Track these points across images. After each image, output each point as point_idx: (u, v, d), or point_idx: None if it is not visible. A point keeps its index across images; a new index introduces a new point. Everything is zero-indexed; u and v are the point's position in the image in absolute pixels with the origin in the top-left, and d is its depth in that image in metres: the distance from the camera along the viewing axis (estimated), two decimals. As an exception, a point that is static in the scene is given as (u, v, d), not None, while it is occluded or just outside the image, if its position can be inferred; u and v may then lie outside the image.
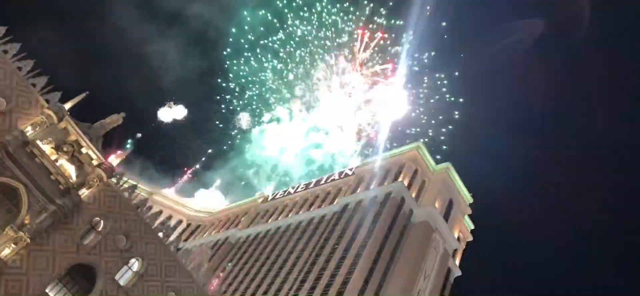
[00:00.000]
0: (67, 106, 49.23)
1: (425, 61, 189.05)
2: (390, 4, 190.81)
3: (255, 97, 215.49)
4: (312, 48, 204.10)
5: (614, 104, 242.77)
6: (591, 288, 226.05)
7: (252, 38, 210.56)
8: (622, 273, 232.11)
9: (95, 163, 49.35)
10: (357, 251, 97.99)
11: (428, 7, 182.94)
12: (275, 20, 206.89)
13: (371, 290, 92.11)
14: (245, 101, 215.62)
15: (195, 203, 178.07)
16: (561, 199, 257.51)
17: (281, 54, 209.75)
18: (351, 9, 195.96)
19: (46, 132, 47.29)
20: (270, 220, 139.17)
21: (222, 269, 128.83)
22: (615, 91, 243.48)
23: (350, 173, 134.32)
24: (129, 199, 51.56)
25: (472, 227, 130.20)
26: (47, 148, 47.15)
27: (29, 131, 46.28)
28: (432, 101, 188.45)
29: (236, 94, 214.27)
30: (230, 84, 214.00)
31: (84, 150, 49.09)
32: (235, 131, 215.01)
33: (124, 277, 49.41)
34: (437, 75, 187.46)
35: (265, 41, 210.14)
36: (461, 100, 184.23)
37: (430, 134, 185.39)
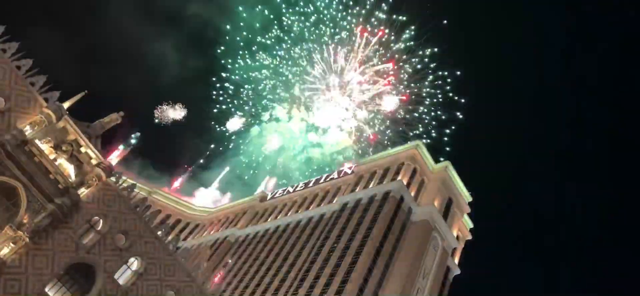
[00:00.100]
0: (66, 105, 49.18)
1: (426, 60, 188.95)
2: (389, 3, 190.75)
3: (253, 97, 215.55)
4: (310, 46, 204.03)
5: (616, 101, 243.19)
6: (590, 287, 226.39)
7: (250, 36, 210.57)
8: (622, 273, 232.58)
9: (94, 162, 49.32)
10: (356, 249, 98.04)
11: (428, 5, 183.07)
12: (271, 16, 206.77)
13: (370, 288, 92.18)
14: (243, 100, 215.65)
15: (195, 202, 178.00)
16: (561, 198, 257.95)
17: (279, 53, 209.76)
18: (351, 3, 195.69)
19: (45, 132, 47.24)
20: (269, 219, 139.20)
21: (223, 265, 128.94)
22: (616, 87, 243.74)
23: (349, 171, 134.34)
24: (128, 198, 51.52)
25: (471, 226, 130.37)
26: (46, 147, 47.11)
27: (28, 130, 46.22)
28: (436, 99, 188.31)
29: (230, 93, 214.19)
30: (225, 83, 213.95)
31: (82, 149, 49.06)
32: (229, 132, 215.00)
33: (123, 276, 49.42)
34: (440, 73, 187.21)
35: (264, 40, 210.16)
36: (463, 101, 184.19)
37: (430, 133, 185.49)
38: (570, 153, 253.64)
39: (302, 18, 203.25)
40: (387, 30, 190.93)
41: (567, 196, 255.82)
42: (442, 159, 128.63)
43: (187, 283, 53.71)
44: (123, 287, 48.65)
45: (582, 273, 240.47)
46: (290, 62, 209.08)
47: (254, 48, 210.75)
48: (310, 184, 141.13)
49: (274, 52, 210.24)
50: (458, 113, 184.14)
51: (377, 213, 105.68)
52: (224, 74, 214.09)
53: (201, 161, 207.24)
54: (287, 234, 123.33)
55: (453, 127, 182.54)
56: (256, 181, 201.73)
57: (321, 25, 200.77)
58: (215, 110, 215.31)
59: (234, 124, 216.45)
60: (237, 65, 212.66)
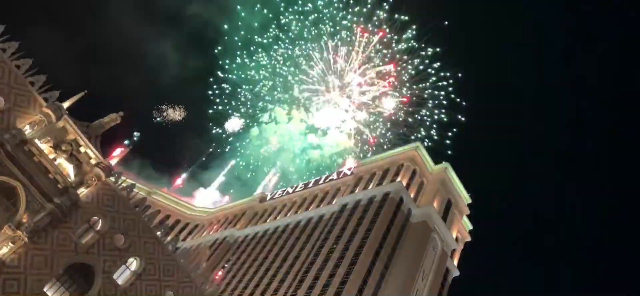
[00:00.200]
0: (66, 104, 49.20)
1: (426, 61, 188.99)
2: (389, 2, 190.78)
3: (252, 97, 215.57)
4: (310, 47, 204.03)
5: (616, 101, 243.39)
6: (590, 287, 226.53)
7: (250, 37, 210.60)
8: (622, 273, 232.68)
9: (93, 161, 49.32)
10: (356, 251, 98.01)
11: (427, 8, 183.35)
12: (271, 16, 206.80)
13: (369, 289, 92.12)
14: (242, 101, 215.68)
15: (194, 202, 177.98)
16: (560, 199, 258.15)
17: (279, 54, 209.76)
18: (351, 1, 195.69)
19: (44, 131, 47.24)
20: (268, 220, 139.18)
21: (222, 266, 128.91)
22: (616, 87, 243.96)
23: (348, 173, 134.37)
24: (127, 198, 51.51)
25: (471, 227, 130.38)
26: (45, 147, 47.11)
27: (27, 129, 46.21)
28: (436, 101, 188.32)
29: (229, 93, 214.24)
30: (225, 84, 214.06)
31: (82, 149, 49.06)
32: (229, 132, 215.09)
33: (122, 276, 49.38)
34: (441, 74, 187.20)
35: (263, 41, 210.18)
36: (463, 103, 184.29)
37: (430, 134, 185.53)
38: (570, 153, 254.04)
39: (302, 17, 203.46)
40: (387, 30, 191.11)
41: (567, 197, 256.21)
42: (441, 160, 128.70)
43: (186, 284, 53.69)
44: (122, 287, 48.61)
45: (582, 274, 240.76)
46: (289, 63, 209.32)
47: (253, 49, 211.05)
48: (310, 185, 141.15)
49: (273, 53, 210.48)
50: (457, 114, 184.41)
51: (377, 214, 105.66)
52: (223, 75, 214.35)
53: (201, 161, 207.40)
54: (286, 235, 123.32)
55: (454, 129, 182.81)
56: (255, 182, 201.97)
57: (321, 26, 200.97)
58: (214, 110, 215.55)
59: (234, 125, 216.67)
60: (236, 66, 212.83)
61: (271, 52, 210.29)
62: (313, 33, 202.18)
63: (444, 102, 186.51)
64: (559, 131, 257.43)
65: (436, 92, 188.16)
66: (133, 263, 50.50)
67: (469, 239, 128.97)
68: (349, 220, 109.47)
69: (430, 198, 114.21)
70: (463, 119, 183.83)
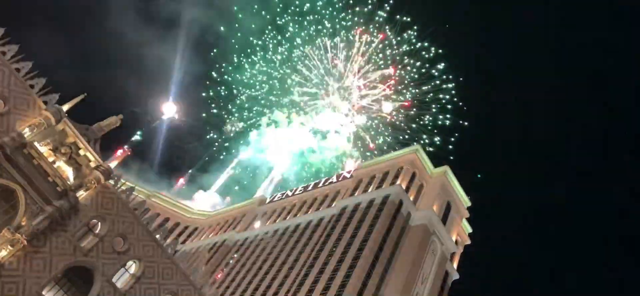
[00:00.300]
0: (65, 107, 49.16)
1: (426, 65, 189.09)
2: (391, 2, 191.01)
3: (252, 101, 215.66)
4: (310, 50, 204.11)
5: (614, 101, 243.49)
6: (591, 290, 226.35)
7: (250, 41, 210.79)
8: (622, 273, 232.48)
9: (93, 164, 49.28)
10: (355, 254, 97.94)
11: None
12: (271, 20, 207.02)
13: (369, 292, 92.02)
14: (242, 105, 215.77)
15: (193, 205, 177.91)
16: (560, 201, 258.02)
17: (278, 57, 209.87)
18: (351, 2, 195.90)
19: (44, 134, 47.22)
20: (268, 223, 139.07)
21: (221, 269, 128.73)
22: (613, 88, 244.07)
23: (348, 175, 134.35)
24: (127, 201, 51.46)
25: (470, 230, 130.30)
26: (44, 150, 47.08)
27: (27, 132, 46.19)
28: (436, 104, 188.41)
29: (229, 97, 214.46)
30: (224, 87, 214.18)
31: (81, 152, 49.04)
32: (228, 135, 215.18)
33: (121, 279, 49.30)
34: (441, 76, 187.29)
35: (262, 44, 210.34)
36: (464, 107, 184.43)
37: (429, 138, 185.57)
38: (571, 157, 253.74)
39: (300, 19, 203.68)
40: (389, 30, 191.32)
41: (567, 200, 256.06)
42: (441, 163, 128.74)
43: (185, 287, 53.61)
44: (121, 290, 48.53)
45: (583, 277, 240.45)
46: (289, 66, 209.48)
47: (252, 52, 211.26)
48: (309, 188, 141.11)
49: (273, 57, 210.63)
50: (457, 118, 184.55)
51: (376, 217, 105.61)
52: (223, 79, 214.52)
53: (200, 164, 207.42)
54: (286, 238, 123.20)
55: (455, 133, 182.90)
56: (255, 185, 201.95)
57: (321, 28, 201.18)
58: (213, 114, 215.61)
59: (233, 128, 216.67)
60: (236, 69, 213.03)
61: (270, 56, 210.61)
62: (313, 36, 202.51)
63: (445, 105, 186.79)
64: (560, 133, 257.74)
65: (436, 96, 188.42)
66: (132, 266, 50.42)
67: (468, 242, 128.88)
68: (348, 223, 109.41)
69: (430, 201, 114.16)
70: (466, 124, 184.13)
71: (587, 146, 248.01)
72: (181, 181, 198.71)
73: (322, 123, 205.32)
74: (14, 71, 47.06)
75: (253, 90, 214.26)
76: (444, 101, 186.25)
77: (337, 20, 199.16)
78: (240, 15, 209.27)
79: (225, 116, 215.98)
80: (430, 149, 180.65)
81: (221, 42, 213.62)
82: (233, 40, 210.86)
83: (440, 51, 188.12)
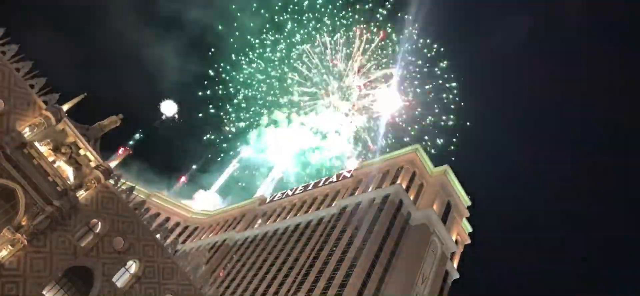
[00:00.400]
0: (65, 107, 49.18)
1: (427, 66, 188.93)
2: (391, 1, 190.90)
3: (252, 101, 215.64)
4: (310, 51, 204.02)
5: (613, 102, 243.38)
6: (591, 289, 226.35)
7: (250, 41, 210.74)
8: (621, 274, 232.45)
9: (93, 164, 49.28)
10: (355, 253, 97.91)
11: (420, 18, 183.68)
12: (271, 20, 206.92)
13: (369, 292, 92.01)
14: (242, 104, 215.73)
15: (193, 205, 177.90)
16: (560, 202, 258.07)
17: (279, 57, 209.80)
18: (350, 0, 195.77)
19: (44, 134, 47.23)
20: (268, 222, 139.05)
21: (222, 268, 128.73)
22: (614, 88, 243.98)
23: (348, 175, 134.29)
24: (127, 201, 51.46)
25: (470, 230, 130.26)
26: (44, 150, 47.09)
27: (27, 132, 46.21)
28: (436, 104, 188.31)
29: (229, 97, 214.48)
30: (224, 87, 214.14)
31: (81, 152, 49.04)
32: (230, 135, 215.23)
33: (121, 279, 49.30)
34: (446, 76, 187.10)
35: (263, 45, 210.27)
36: (462, 104, 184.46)
37: (430, 137, 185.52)
38: (570, 156, 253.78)
39: (300, 17, 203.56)
40: (389, 29, 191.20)
41: (567, 199, 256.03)
42: (441, 163, 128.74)
43: (186, 286, 53.62)
44: (121, 290, 48.54)
45: (583, 276, 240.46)
46: (288, 66, 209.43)
47: (253, 52, 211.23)
48: (309, 188, 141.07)
49: (273, 56, 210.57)
50: (457, 117, 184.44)
51: (376, 217, 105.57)
52: (223, 78, 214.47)
53: (201, 161, 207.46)
54: (286, 238, 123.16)
55: (456, 133, 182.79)
56: (255, 185, 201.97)
57: (320, 27, 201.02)
58: (214, 113, 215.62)
59: (233, 127, 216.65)
60: (236, 70, 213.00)
61: (270, 55, 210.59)
62: (312, 35, 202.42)
63: (445, 105, 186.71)
64: (559, 135, 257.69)
65: (435, 96, 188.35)
66: (132, 266, 50.43)
67: (468, 241, 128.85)
68: (348, 223, 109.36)
69: (430, 201, 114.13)
70: (461, 121, 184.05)
71: (587, 147, 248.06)
72: (181, 180, 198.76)
73: (322, 123, 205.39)
74: (14, 71, 47.07)
75: (252, 90, 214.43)
76: (445, 101, 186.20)
77: (336, 18, 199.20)
78: (238, 14, 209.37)
79: (225, 116, 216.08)
80: (428, 145, 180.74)
81: (220, 41, 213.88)
82: (232, 40, 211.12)
83: (441, 49, 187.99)
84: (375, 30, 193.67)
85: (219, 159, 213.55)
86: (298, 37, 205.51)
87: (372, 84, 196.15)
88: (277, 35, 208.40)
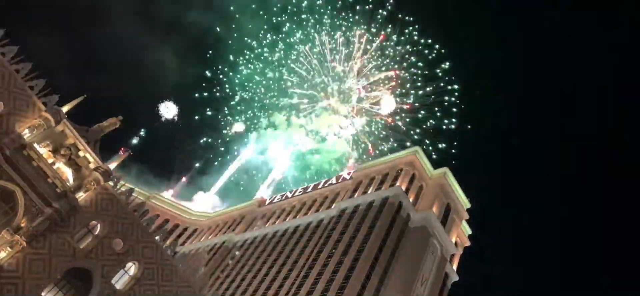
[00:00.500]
0: (65, 109, 49.19)
1: (428, 68, 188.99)
2: (390, 3, 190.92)
3: (252, 103, 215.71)
4: (310, 52, 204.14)
5: (614, 105, 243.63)
6: (589, 292, 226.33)
7: (250, 43, 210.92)
8: (620, 276, 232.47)
9: (92, 166, 49.27)
10: (355, 255, 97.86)
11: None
12: (266, 16, 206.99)
13: (368, 294, 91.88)
14: (242, 107, 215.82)
15: (193, 207, 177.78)
16: (559, 204, 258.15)
17: (278, 59, 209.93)
18: (350, 1, 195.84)
19: (43, 135, 47.23)
20: (267, 224, 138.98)
21: (221, 270, 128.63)
22: (616, 93, 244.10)
23: (347, 177, 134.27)
24: (126, 202, 51.44)
25: (470, 232, 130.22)
26: (44, 151, 47.07)
27: (27, 134, 46.19)
28: (436, 106, 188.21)
29: (229, 99, 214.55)
30: (222, 89, 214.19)
31: (81, 153, 49.05)
32: (230, 137, 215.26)
33: (120, 281, 49.27)
34: (447, 78, 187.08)
35: (262, 47, 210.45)
36: (463, 107, 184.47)
37: (429, 139, 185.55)
38: (570, 161, 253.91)
39: (299, 19, 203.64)
40: (390, 30, 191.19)
41: (567, 202, 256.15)
42: (440, 165, 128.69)
43: (185, 288, 53.57)
44: (120, 292, 48.48)
45: (583, 279, 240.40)
46: (288, 68, 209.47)
47: (251, 54, 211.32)
48: (309, 190, 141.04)
49: (272, 58, 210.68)
50: (457, 120, 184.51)
51: (376, 219, 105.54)
52: (222, 80, 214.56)
53: (200, 162, 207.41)
54: (285, 240, 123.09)
55: (455, 135, 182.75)
56: (254, 186, 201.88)
57: (319, 28, 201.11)
58: (213, 115, 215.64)
59: (233, 129, 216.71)
60: (235, 71, 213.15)
61: (269, 58, 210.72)
62: (312, 37, 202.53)
63: (445, 107, 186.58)
64: (559, 138, 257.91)
65: (435, 99, 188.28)
66: (131, 268, 50.39)
67: (468, 244, 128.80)
68: (348, 225, 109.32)
69: (430, 203, 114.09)
70: (460, 123, 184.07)
71: (588, 150, 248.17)
72: (181, 182, 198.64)
73: (321, 125, 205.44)
74: (13, 72, 47.06)
75: (251, 92, 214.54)
76: (446, 104, 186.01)
77: (336, 20, 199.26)
78: (237, 15, 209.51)
79: (224, 118, 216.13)
80: (429, 147, 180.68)
81: (219, 43, 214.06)
82: (230, 42, 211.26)
83: (443, 50, 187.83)
84: (375, 31, 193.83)
85: (218, 161, 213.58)
86: (297, 39, 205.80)
87: (372, 87, 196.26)
88: (275, 37, 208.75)
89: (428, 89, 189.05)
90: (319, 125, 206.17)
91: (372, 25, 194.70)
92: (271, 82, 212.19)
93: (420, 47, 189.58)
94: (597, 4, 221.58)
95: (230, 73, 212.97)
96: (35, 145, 46.27)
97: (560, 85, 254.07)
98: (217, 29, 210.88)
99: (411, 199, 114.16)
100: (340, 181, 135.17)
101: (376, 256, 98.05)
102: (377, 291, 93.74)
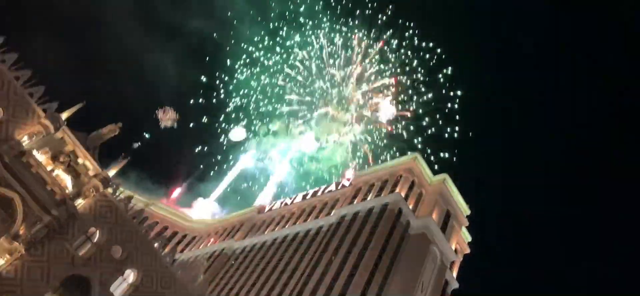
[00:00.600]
0: (64, 115, 49.13)
1: (429, 75, 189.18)
2: (390, 8, 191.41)
3: (251, 109, 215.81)
4: (309, 58, 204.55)
5: (616, 111, 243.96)
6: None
7: (249, 50, 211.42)
8: (620, 279, 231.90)
9: (91, 173, 49.17)
10: (354, 262, 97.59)
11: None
12: (270, 28, 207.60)
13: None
14: (241, 113, 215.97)
15: (192, 214, 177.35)
16: (558, 210, 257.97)
17: (276, 67, 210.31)
18: (349, 7, 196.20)
19: (42, 142, 47.14)
20: (266, 231, 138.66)
21: (220, 278, 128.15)
22: (615, 95, 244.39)
23: (347, 184, 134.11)
24: (125, 209, 51.30)
25: (470, 239, 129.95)
26: (43, 158, 46.96)
27: (26, 140, 46.12)
28: (436, 113, 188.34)
29: (228, 105, 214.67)
30: (222, 96, 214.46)
31: (80, 160, 48.94)
32: (229, 143, 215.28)
33: (119, 288, 49.03)
34: (447, 84, 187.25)
35: (261, 52, 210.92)
36: (464, 114, 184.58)
37: (429, 146, 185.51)
38: (570, 165, 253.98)
39: (297, 26, 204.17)
40: (389, 38, 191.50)
41: (567, 208, 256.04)
42: (440, 171, 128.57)
43: (184, 296, 53.30)
44: (119, 299, 48.27)
45: (583, 286, 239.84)
46: (287, 75, 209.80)
47: (250, 60, 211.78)
48: (308, 197, 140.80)
49: (271, 65, 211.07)
50: (457, 126, 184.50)
51: (375, 226, 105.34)
52: (221, 87, 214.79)
53: (200, 169, 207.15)
54: (285, 247, 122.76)
55: (456, 141, 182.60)
56: (254, 193, 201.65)
57: (319, 35, 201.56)
58: (213, 122, 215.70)
59: (232, 136, 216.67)
60: (235, 78, 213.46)
61: (268, 64, 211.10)
62: (311, 44, 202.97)
63: (446, 114, 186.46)
64: (559, 143, 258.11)
65: (438, 105, 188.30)
66: (130, 275, 50.15)
67: (468, 251, 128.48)
68: (347, 232, 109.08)
69: (429, 210, 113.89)
70: (461, 130, 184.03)
71: (588, 154, 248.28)
72: (180, 189, 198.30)
73: (320, 132, 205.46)
74: (13, 78, 47.04)
75: (250, 98, 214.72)
76: (447, 111, 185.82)
77: (336, 25, 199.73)
78: (235, 21, 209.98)
79: (223, 125, 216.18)
80: (428, 152, 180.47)
81: (218, 50, 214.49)
82: (228, 48, 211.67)
83: (443, 56, 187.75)
84: (374, 37, 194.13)
85: (217, 168, 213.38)
86: (296, 45, 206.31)
87: (372, 93, 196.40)
88: (274, 43, 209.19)
89: (429, 95, 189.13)
90: (318, 132, 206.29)
91: (372, 30, 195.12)
92: (269, 88, 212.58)
93: (422, 53, 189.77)
94: (600, 7, 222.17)
95: (226, 78, 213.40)
96: (34, 152, 46.17)
97: (561, 87, 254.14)
98: (217, 36, 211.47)
99: (411, 206, 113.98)
100: (339, 187, 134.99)
101: (376, 263, 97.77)
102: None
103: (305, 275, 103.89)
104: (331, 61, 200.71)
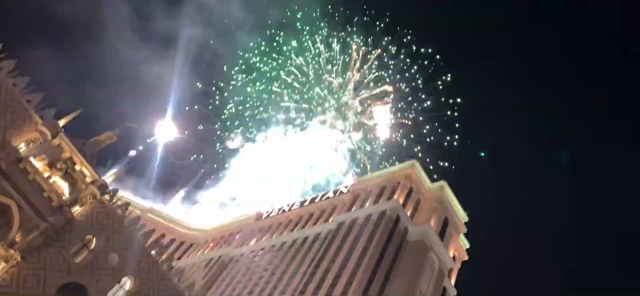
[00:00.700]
0: (62, 122, 49.07)
1: (426, 83, 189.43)
2: (388, 16, 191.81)
3: (248, 117, 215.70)
4: (306, 65, 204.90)
5: (614, 105, 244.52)
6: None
7: (246, 57, 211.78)
8: (618, 289, 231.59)
9: (88, 180, 49.06)
10: (352, 269, 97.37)
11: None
12: (262, 31, 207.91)
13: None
14: (238, 120, 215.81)
15: (189, 221, 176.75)
16: (557, 218, 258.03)
17: (274, 74, 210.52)
18: (347, 14, 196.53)
19: (40, 149, 47.05)
20: (264, 238, 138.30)
21: (217, 286, 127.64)
22: (614, 99, 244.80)
23: (345, 190, 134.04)
24: (122, 216, 51.14)
25: (468, 246, 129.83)
26: (40, 165, 46.85)
27: (23, 147, 46.01)
28: (434, 120, 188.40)
29: (225, 112, 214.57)
30: (219, 104, 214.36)
31: (77, 167, 48.84)
32: (227, 150, 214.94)
33: (115, 296, 48.83)
34: (443, 97, 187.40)
35: (259, 59, 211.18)
36: (461, 121, 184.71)
37: (427, 153, 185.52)
38: (570, 172, 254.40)
39: (295, 33, 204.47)
40: (387, 45, 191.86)
41: (565, 214, 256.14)
42: (438, 179, 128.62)
43: (181, 304, 53.05)
44: (116, 307, 48.02)
45: (582, 292, 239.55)
46: (284, 82, 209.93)
47: (247, 68, 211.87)
48: (306, 203, 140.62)
49: (268, 73, 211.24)
50: (454, 133, 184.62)
51: (373, 233, 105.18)
52: (219, 94, 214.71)
53: (197, 176, 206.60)
54: (282, 254, 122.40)
55: (454, 149, 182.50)
56: (251, 200, 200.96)
57: (316, 42, 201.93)
58: (209, 129, 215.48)
59: (230, 143, 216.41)
60: (231, 85, 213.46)
61: (265, 72, 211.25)
62: (308, 52, 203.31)
63: (444, 121, 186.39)
64: (558, 149, 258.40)
65: (435, 112, 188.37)
66: (127, 283, 49.91)
67: (466, 258, 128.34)
68: (345, 239, 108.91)
69: (427, 217, 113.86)
70: (468, 142, 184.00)
71: (589, 160, 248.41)
72: (177, 196, 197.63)
73: (318, 140, 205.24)
74: (10, 86, 47.01)
75: (247, 106, 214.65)
76: (445, 118, 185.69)
77: (334, 32, 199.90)
78: (232, 28, 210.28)
79: (220, 132, 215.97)
80: (427, 160, 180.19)
81: (215, 58, 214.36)
82: (226, 55, 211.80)
83: (442, 63, 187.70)
84: (373, 44, 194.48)
85: (215, 173, 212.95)
86: (293, 52, 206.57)
87: (370, 101, 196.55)
88: (271, 51, 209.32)
89: (428, 103, 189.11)
90: (315, 139, 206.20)
91: (370, 37, 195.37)
92: (266, 95, 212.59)
93: (420, 60, 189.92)
94: (600, 7, 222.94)
95: (222, 85, 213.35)
96: (31, 159, 46.07)
97: (562, 89, 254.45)
98: (216, 44, 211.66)
99: (408, 213, 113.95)
100: (337, 194, 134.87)
101: (374, 271, 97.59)
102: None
103: (304, 282, 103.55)
104: (329, 67, 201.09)
